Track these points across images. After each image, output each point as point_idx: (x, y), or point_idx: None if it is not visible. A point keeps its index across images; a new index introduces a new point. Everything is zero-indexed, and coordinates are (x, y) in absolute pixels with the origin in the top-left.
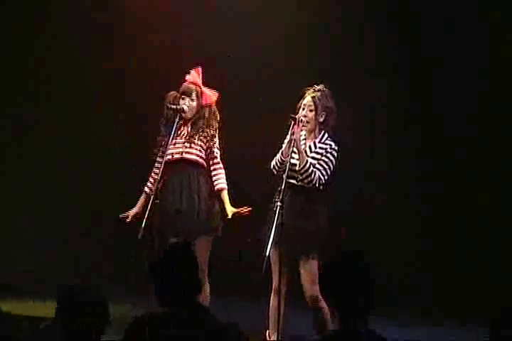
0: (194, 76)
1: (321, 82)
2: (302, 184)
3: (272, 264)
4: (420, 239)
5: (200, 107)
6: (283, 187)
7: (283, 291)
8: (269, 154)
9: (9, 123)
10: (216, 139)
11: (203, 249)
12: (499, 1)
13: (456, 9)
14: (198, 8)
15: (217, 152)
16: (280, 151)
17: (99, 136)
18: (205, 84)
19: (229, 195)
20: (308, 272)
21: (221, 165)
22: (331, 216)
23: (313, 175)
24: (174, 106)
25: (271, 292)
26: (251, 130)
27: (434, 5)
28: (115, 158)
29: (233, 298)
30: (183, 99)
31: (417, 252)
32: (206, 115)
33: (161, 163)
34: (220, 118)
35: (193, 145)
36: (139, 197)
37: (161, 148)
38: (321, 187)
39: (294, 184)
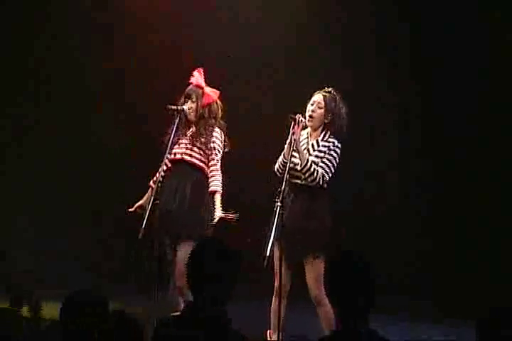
0: (197, 78)
1: (332, 86)
2: (306, 183)
3: (275, 264)
4: (420, 239)
5: (201, 108)
6: (283, 187)
7: (284, 292)
8: (270, 154)
9: (9, 123)
10: (218, 141)
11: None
12: (499, 1)
13: (456, 9)
14: (198, 8)
15: (216, 154)
16: (282, 154)
17: (99, 136)
18: (208, 83)
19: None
20: (314, 272)
21: (218, 168)
22: (333, 215)
23: (315, 174)
24: (174, 107)
25: (273, 292)
26: (251, 130)
27: (434, 5)
28: (115, 158)
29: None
30: (186, 101)
31: (417, 252)
32: (206, 115)
33: (167, 159)
34: (223, 113)
35: (194, 148)
36: (139, 197)
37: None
38: (325, 185)
39: (297, 183)
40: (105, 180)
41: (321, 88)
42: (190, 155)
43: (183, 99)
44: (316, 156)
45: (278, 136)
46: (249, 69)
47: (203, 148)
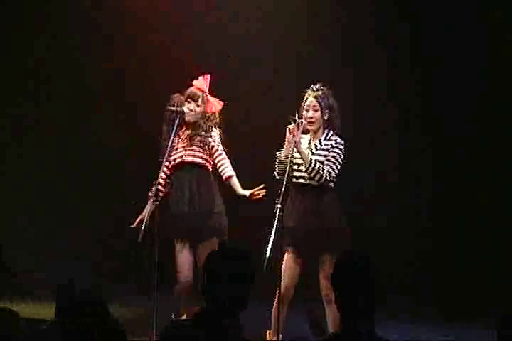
0: (201, 83)
1: (318, 82)
2: (312, 182)
3: (288, 267)
4: (420, 239)
5: (204, 114)
6: (283, 189)
7: (289, 293)
8: (270, 155)
9: (9, 123)
10: (215, 137)
11: (208, 251)
12: (499, 1)
13: (456, 9)
14: (198, 8)
15: (218, 145)
16: (277, 160)
17: (99, 136)
18: (211, 93)
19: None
20: (326, 270)
21: (224, 155)
22: (344, 216)
23: (321, 172)
24: (174, 108)
25: (275, 293)
26: (251, 130)
27: (434, 5)
28: (115, 158)
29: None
30: (188, 102)
31: (417, 252)
32: (208, 122)
33: (165, 166)
34: (221, 126)
35: (193, 147)
36: (139, 197)
37: (163, 153)
38: (331, 184)
39: (303, 184)
40: (105, 180)
41: (308, 86)
42: (190, 155)
43: (184, 99)
44: (320, 155)
45: (279, 136)
46: (249, 69)
47: (201, 145)
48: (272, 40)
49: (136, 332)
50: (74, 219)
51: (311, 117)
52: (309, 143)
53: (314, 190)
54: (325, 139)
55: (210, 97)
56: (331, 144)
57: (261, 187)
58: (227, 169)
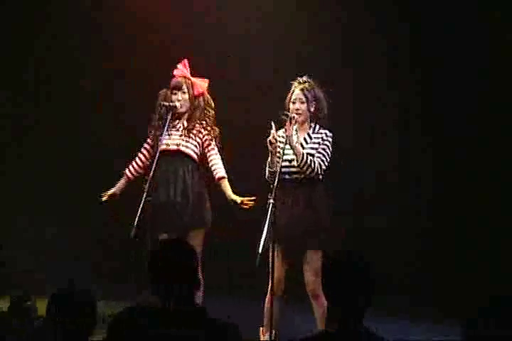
0: (182, 69)
1: (305, 74)
2: (304, 176)
3: (275, 262)
4: (420, 239)
5: (194, 98)
6: (275, 184)
7: (280, 289)
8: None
9: (9, 123)
10: (215, 133)
11: (194, 243)
12: (499, 1)
13: (456, 9)
14: (198, 8)
15: (211, 139)
16: (267, 163)
17: (99, 136)
18: (194, 74)
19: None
20: (312, 265)
21: (218, 154)
22: (332, 210)
23: (313, 165)
24: (167, 104)
25: (266, 289)
26: (251, 130)
27: (434, 5)
28: (115, 158)
29: (226, 295)
30: (174, 94)
31: (417, 252)
32: (201, 105)
33: (147, 149)
34: (215, 104)
35: (190, 140)
36: (139, 197)
37: (151, 138)
38: (321, 177)
39: (297, 178)
40: (105, 180)
41: (294, 78)
42: (187, 147)
43: (169, 92)
44: (311, 148)
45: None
46: (249, 69)
47: (197, 139)
48: (272, 40)
49: None
50: (74, 219)
51: (298, 109)
52: (297, 138)
53: (306, 183)
54: (313, 133)
55: (193, 79)
56: (322, 137)
57: (252, 198)
58: (220, 169)
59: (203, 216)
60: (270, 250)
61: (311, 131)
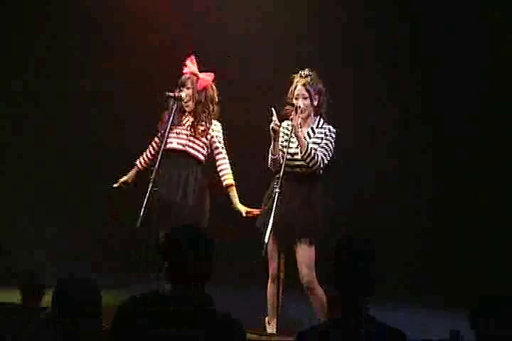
0: (190, 66)
1: (304, 68)
2: (305, 170)
3: (269, 251)
4: (420, 239)
5: (197, 93)
6: (281, 173)
7: (281, 277)
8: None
9: (9, 123)
10: (217, 133)
11: None
12: (499, 1)
13: (456, 9)
14: (198, 8)
15: (220, 141)
16: (270, 150)
17: (99, 136)
18: (201, 69)
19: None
20: (306, 258)
21: (226, 158)
22: (330, 205)
23: (316, 157)
24: (172, 94)
25: (267, 279)
26: (251, 130)
27: (434, 5)
28: (115, 158)
29: (227, 286)
30: (181, 90)
31: (417, 252)
32: (203, 100)
33: (157, 143)
34: (218, 94)
35: (197, 140)
36: (139, 197)
37: (161, 134)
38: (321, 171)
39: (298, 172)
40: (105, 180)
41: (296, 72)
42: (193, 148)
43: (178, 89)
44: (314, 143)
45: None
46: (249, 69)
47: (204, 140)
48: (272, 40)
49: None
50: (74, 219)
51: (302, 104)
52: (301, 132)
53: (307, 178)
54: (317, 127)
55: (200, 75)
56: (325, 132)
57: (257, 212)
58: (228, 176)
59: (199, 220)
60: (274, 238)
61: (315, 126)
